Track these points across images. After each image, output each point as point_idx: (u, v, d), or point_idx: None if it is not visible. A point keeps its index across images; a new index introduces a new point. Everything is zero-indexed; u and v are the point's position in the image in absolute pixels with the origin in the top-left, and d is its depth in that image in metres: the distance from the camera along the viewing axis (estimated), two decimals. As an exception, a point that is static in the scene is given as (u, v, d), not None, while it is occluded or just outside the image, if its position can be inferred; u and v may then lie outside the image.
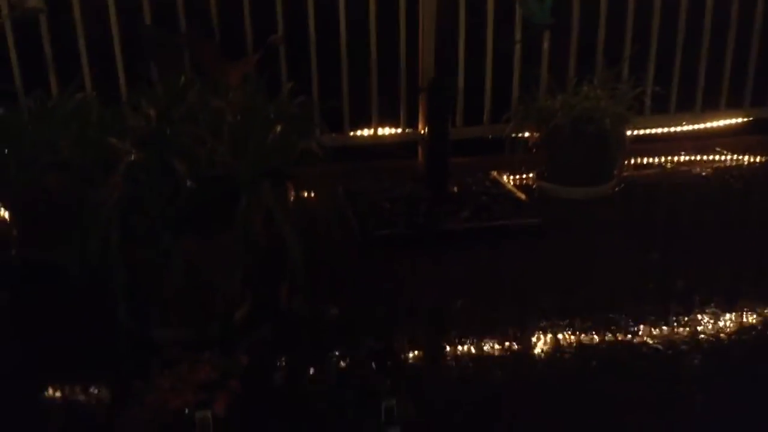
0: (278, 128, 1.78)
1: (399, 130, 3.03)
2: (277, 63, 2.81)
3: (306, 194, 2.76)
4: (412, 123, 3.00)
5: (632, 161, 2.96)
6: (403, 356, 1.68)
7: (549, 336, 1.78)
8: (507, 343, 1.74)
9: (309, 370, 1.59)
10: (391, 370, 1.61)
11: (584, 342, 1.73)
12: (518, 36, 2.91)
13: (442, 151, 2.53)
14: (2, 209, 2.43)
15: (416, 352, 1.73)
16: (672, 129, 3.19)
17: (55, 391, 1.58)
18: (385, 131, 3.03)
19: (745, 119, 3.23)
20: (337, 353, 1.66)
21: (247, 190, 1.63)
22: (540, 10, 2.55)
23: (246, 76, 2.10)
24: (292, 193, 1.90)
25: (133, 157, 1.57)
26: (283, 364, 1.63)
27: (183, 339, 1.61)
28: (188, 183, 1.53)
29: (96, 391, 1.56)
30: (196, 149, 1.64)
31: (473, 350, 1.70)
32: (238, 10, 2.75)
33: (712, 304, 1.87)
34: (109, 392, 1.55)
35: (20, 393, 1.57)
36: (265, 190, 1.66)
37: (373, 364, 1.59)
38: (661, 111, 3.12)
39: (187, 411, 1.31)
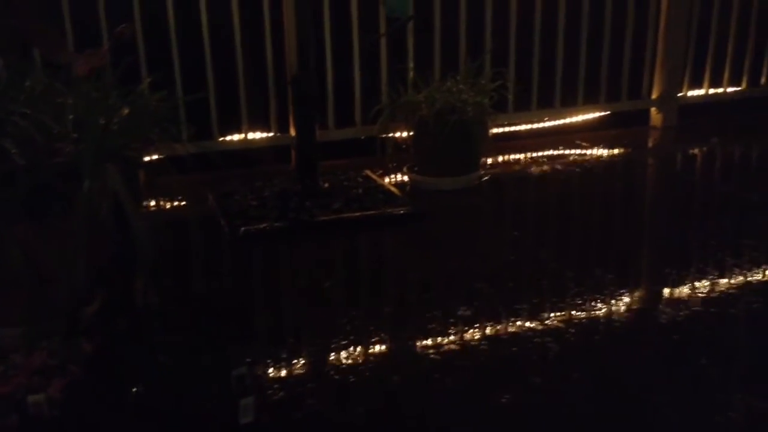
0: (125, 112, 1.71)
1: (270, 134, 3.00)
2: (138, 63, 2.73)
3: (173, 200, 2.69)
4: (284, 127, 2.98)
5: (498, 157, 3.06)
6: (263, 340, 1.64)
7: (416, 310, 1.79)
8: (375, 320, 1.74)
9: (160, 357, 1.51)
10: (251, 357, 1.55)
11: (452, 316, 1.74)
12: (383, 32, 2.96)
13: (310, 144, 2.51)
14: None
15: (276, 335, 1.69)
16: (534, 125, 3.34)
17: None
18: (256, 136, 2.99)
19: (602, 114, 3.42)
20: (193, 339, 1.59)
21: (89, 174, 1.54)
22: (400, 3, 2.61)
23: (98, 69, 2.02)
24: (146, 181, 1.83)
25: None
26: (132, 353, 1.54)
27: (24, 335, 1.49)
28: (21, 163, 1.43)
29: None
30: (34, 133, 1.54)
31: (337, 325, 1.68)
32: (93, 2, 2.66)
33: (574, 287, 1.94)
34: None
35: None
36: (110, 174, 1.58)
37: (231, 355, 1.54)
38: (523, 108, 3.25)
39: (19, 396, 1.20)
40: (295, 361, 1.54)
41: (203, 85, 2.83)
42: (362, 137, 3.06)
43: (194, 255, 2.34)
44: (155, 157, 2.33)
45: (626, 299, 1.78)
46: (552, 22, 3.23)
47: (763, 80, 3.65)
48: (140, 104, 1.91)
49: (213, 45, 2.83)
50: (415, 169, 2.74)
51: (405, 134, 2.75)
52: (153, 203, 2.61)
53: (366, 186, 2.64)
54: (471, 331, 1.65)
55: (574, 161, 3.07)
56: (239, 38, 2.85)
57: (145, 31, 2.74)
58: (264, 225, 2.27)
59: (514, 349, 1.57)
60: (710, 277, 1.90)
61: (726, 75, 3.57)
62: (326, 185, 2.60)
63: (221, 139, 2.94)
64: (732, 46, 3.54)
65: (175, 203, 2.68)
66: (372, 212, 2.37)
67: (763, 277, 1.90)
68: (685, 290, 1.86)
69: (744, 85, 3.62)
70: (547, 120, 3.35)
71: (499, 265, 2.05)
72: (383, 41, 3.01)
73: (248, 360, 1.47)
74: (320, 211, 2.37)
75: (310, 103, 2.49)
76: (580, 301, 1.77)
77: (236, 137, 2.96)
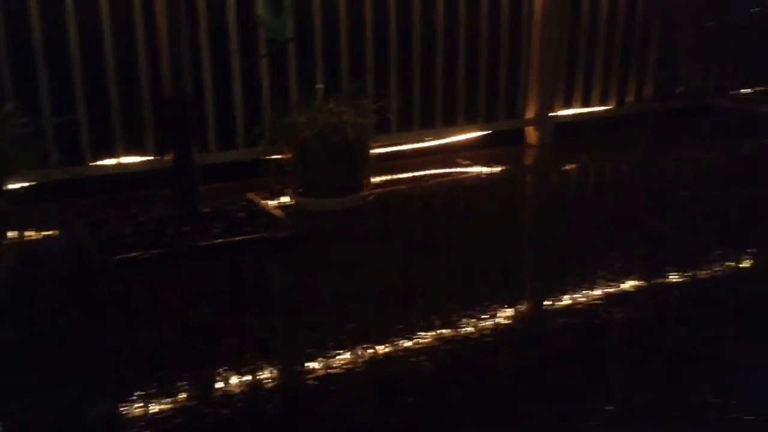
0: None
1: (147, 158, 2.90)
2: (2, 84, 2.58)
3: (39, 229, 2.54)
4: (162, 151, 2.88)
5: (382, 177, 3.09)
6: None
7: (292, 335, 1.77)
8: (251, 348, 1.70)
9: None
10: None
11: (330, 339, 1.73)
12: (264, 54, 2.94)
13: (188, 167, 2.45)
14: None
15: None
16: (417, 145, 3.40)
17: None
18: (132, 160, 2.88)
19: (481, 133, 3.54)
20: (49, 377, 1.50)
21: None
22: (277, 26, 2.61)
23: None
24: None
25: None
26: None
27: None
28: None
29: None
30: None
31: (210, 355, 1.63)
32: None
33: (450, 301, 1.98)
34: None
35: None
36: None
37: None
38: (406, 128, 3.31)
39: None
40: (164, 395, 1.48)
41: (73, 108, 2.71)
42: (246, 160, 3.01)
43: (57, 287, 2.18)
44: (21, 185, 2.20)
45: (500, 314, 1.83)
46: (431, 45, 3.31)
47: (629, 99, 3.89)
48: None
49: (84, 65, 2.72)
50: (299, 190, 2.73)
51: (288, 156, 2.73)
52: (15, 234, 2.45)
53: (248, 209, 2.59)
54: (347, 353, 1.64)
55: (456, 179, 3.15)
56: (112, 59, 2.75)
57: (9, 52, 2.60)
58: (138, 253, 2.18)
59: (389, 369, 1.58)
60: (579, 289, 1.98)
61: (595, 95, 3.78)
62: (206, 209, 2.53)
63: (94, 163, 2.81)
64: (600, 68, 3.76)
65: (42, 233, 2.53)
66: (253, 236, 2.34)
67: (627, 287, 2.01)
68: (555, 303, 1.93)
69: (613, 103, 3.84)
70: (429, 140, 3.43)
71: (380, 285, 2.06)
72: (264, 63, 2.98)
73: (112, 396, 1.40)
74: (199, 236, 2.30)
75: (186, 125, 2.43)
76: (455, 318, 1.80)
77: (110, 162, 2.84)
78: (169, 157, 2.49)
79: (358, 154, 2.65)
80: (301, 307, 1.95)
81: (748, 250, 2.29)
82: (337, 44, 3.13)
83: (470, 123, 3.49)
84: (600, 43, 3.71)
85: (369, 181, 2.89)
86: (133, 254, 2.17)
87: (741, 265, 2.19)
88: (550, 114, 3.64)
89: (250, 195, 2.77)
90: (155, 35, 2.74)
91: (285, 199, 2.77)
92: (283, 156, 2.77)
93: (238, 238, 2.32)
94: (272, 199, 2.77)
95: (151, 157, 2.90)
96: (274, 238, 2.34)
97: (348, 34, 3.13)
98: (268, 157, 2.81)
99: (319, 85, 3.05)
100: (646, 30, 3.78)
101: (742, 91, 2.76)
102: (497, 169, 3.32)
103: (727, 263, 2.17)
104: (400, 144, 3.36)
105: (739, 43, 2.75)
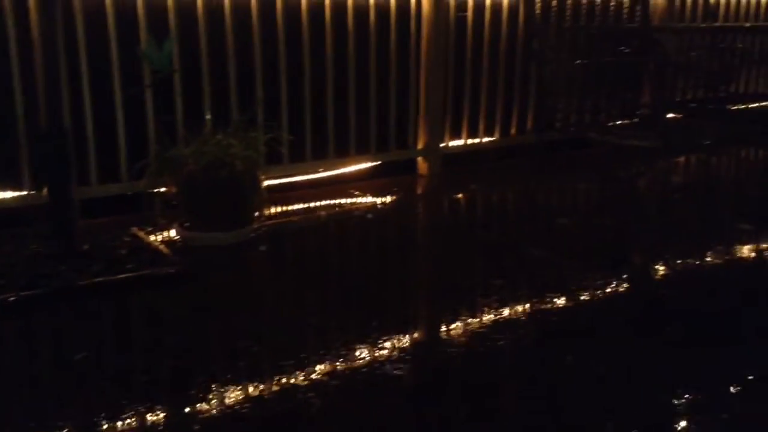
0: None
1: (22, 193, 2.74)
2: None
3: None
4: (37, 185, 2.74)
5: (274, 209, 3.06)
6: None
7: (176, 377, 1.71)
8: (129, 393, 1.63)
9: None
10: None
11: (216, 380, 1.69)
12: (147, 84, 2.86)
13: (65, 202, 2.33)
14: None
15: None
16: (310, 176, 3.41)
17: None
18: (5, 195, 2.72)
19: (373, 163, 3.59)
20: None
21: None
22: (159, 57, 2.55)
23: None
24: None
25: None
26: None
27: None
28: None
29: None
30: None
31: (84, 403, 1.55)
32: None
33: (346, 335, 1.97)
34: None
35: None
36: None
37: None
38: (298, 159, 3.31)
39: None
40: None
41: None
42: (129, 193, 2.91)
43: None
44: None
45: (387, 345, 1.85)
46: (322, 77, 3.34)
47: (512, 131, 4.06)
48: None
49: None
50: (186, 225, 2.66)
51: (173, 189, 2.66)
52: None
53: (132, 245, 2.50)
54: (235, 393, 1.60)
55: (349, 210, 3.17)
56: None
57: None
58: (9, 295, 2.05)
59: (277, 408, 1.55)
60: (463, 318, 2.03)
61: (481, 127, 3.93)
62: (86, 247, 2.42)
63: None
64: (485, 103, 3.91)
65: None
66: (136, 274, 2.25)
67: (510, 314, 2.08)
68: (444, 332, 1.97)
69: (497, 135, 4.00)
70: (321, 171, 3.44)
71: (270, 321, 2.03)
72: (149, 94, 2.91)
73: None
74: (77, 275, 2.19)
75: (63, 157, 2.32)
76: (344, 352, 1.80)
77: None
78: (45, 192, 2.37)
79: (247, 186, 2.62)
80: (188, 345, 1.89)
81: (624, 276, 2.43)
82: (226, 75, 3.10)
83: (362, 154, 3.53)
84: (484, 80, 3.88)
85: (261, 214, 2.86)
86: (3, 296, 2.03)
87: (619, 290, 2.31)
88: (440, 145, 3.75)
89: (135, 230, 2.67)
90: (30, 63, 2.62)
91: (172, 234, 2.69)
92: (169, 189, 2.70)
93: (119, 276, 2.22)
94: (158, 234, 2.68)
95: (27, 192, 2.75)
96: (158, 275, 2.26)
97: (237, 64, 3.11)
98: (153, 191, 2.73)
99: (207, 116, 3.00)
100: (525, 67, 3.98)
101: (611, 124, 2.98)
102: (388, 198, 3.37)
103: (607, 289, 2.28)
104: (293, 175, 3.36)
105: (610, 80, 2.96)
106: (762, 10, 5.01)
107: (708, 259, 2.63)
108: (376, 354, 1.79)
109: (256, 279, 2.43)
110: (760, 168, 4.09)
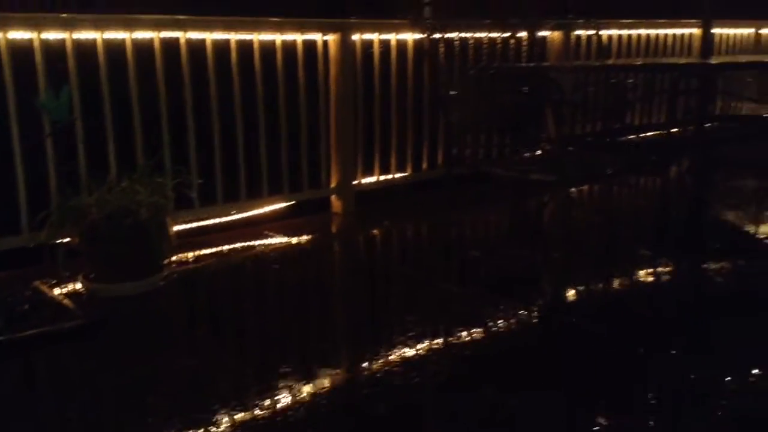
0: None
1: None
2: None
3: None
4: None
5: (185, 255, 3.00)
6: None
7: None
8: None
9: None
10: None
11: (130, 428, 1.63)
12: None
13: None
14: None
15: None
16: (222, 219, 3.37)
17: None
18: None
19: (287, 204, 3.58)
20: None
21: None
22: (57, 107, 2.49)
23: None
24: None
25: None
26: None
27: None
28: None
29: None
30: None
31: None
32: None
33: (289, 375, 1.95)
34: None
35: None
36: None
37: None
38: (209, 203, 3.27)
39: None
40: None
41: None
42: (30, 245, 2.79)
43: None
44: None
45: (305, 389, 1.84)
46: (230, 118, 3.33)
47: (424, 166, 4.15)
48: None
49: None
50: (92, 276, 2.57)
51: (76, 240, 2.58)
52: None
53: (34, 300, 2.40)
54: (142, 452, 1.55)
55: (262, 251, 3.15)
56: None
57: None
58: None
59: (186, 465, 1.51)
60: (382, 355, 2.05)
61: (393, 163, 4.00)
62: (-18, 304, 2.30)
63: None
64: (395, 139, 3.99)
65: None
66: (37, 330, 2.16)
67: (421, 351, 2.11)
68: (356, 372, 1.98)
69: (409, 171, 4.08)
70: (234, 213, 3.41)
71: (176, 373, 1.98)
72: (49, 143, 2.82)
73: None
74: (-27, 336, 2.08)
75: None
76: (257, 401, 1.78)
77: None
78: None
79: (154, 234, 2.56)
80: (93, 402, 1.82)
81: (533, 306, 2.50)
82: (131, 119, 3.04)
83: (275, 194, 3.52)
84: (394, 117, 3.96)
85: (170, 261, 2.80)
86: None
87: (530, 321, 2.38)
88: (353, 182, 3.79)
89: (37, 283, 2.56)
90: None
91: (77, 286, 2.60)
92: (72, 240, 2.61)
93: (21, 335, 2.13)
94: (62, 287, 2.58)
95: None
96: (61, 331, 2.18)
97: (141, 108, 3.06)
98: (56, 242, 2.63)
99: (112, 163, 2.93)
100: (433, 105, 4.09)
101: (516, 159, 3.10)
102: (303, 238, 3.36)
103: (517, 319, 2.35)
104: (204, 219, 3.31)
105: (513, 118, 3.08)
106: (651, 47, 5.35)
107: (614, 285, 2.76)
108: (289, 399, 1.78)
109: (164, 329, 2.37)
110: (655, 195, 4.32)
